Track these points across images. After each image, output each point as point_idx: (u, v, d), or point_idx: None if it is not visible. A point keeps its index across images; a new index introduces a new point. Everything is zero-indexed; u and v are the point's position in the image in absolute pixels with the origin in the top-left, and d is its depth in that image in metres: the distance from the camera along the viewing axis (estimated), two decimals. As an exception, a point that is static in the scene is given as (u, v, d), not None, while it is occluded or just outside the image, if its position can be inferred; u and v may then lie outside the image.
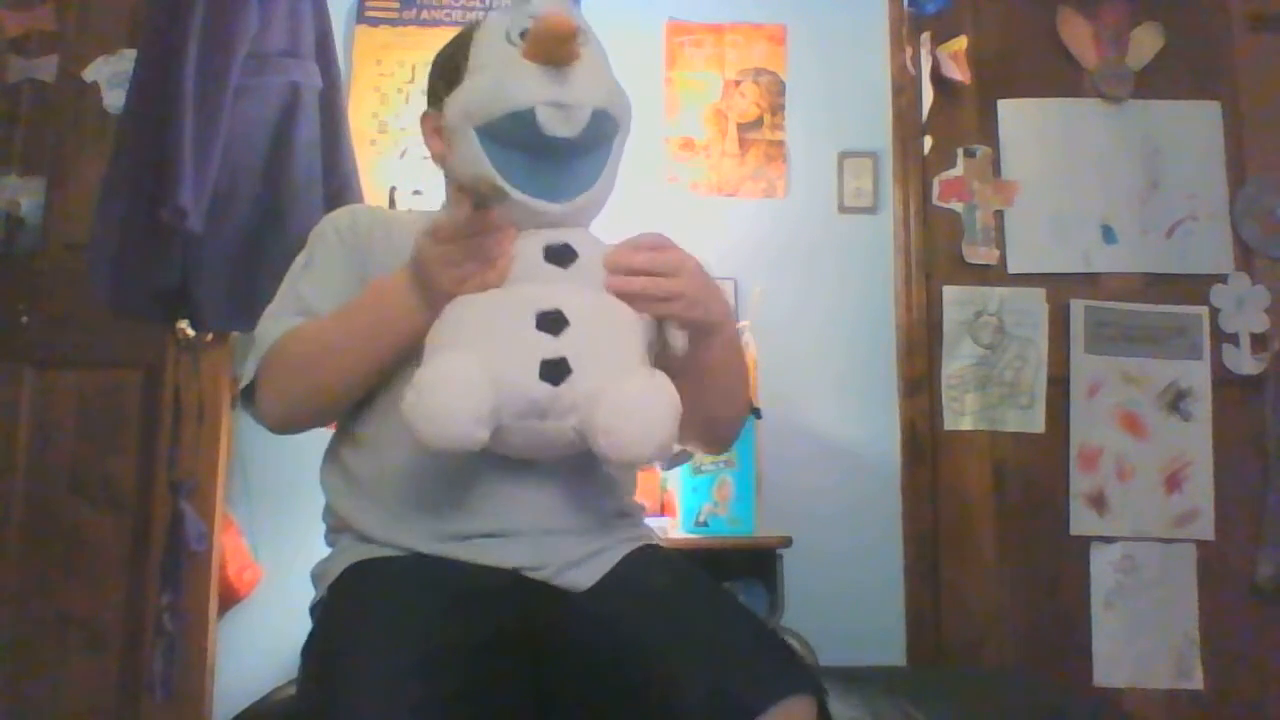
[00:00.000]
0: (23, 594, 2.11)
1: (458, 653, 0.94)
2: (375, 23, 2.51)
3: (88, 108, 2.31)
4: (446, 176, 1.25)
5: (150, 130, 1.87)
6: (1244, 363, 2.47)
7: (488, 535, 1.06)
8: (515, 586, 1.04)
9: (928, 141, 2.53)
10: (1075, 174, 2.54)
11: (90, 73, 2.31)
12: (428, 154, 1.27)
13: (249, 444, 2.23)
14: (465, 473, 1.06)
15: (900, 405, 2.46)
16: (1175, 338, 2.48)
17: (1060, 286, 2.49)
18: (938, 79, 2.53)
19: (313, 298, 1.16)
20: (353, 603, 1.03)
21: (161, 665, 1.98)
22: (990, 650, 2.37)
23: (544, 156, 1.04)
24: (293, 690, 1.10)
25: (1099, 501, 2.42)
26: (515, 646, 1.00)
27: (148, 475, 2.14)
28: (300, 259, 1.21)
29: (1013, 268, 2.51)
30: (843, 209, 2.54)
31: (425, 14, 2.51)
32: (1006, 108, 2.56)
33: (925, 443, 2.44)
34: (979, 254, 2.51)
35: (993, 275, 2.50)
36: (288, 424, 1.16)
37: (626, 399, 0.95)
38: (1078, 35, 2.59)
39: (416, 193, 2.38)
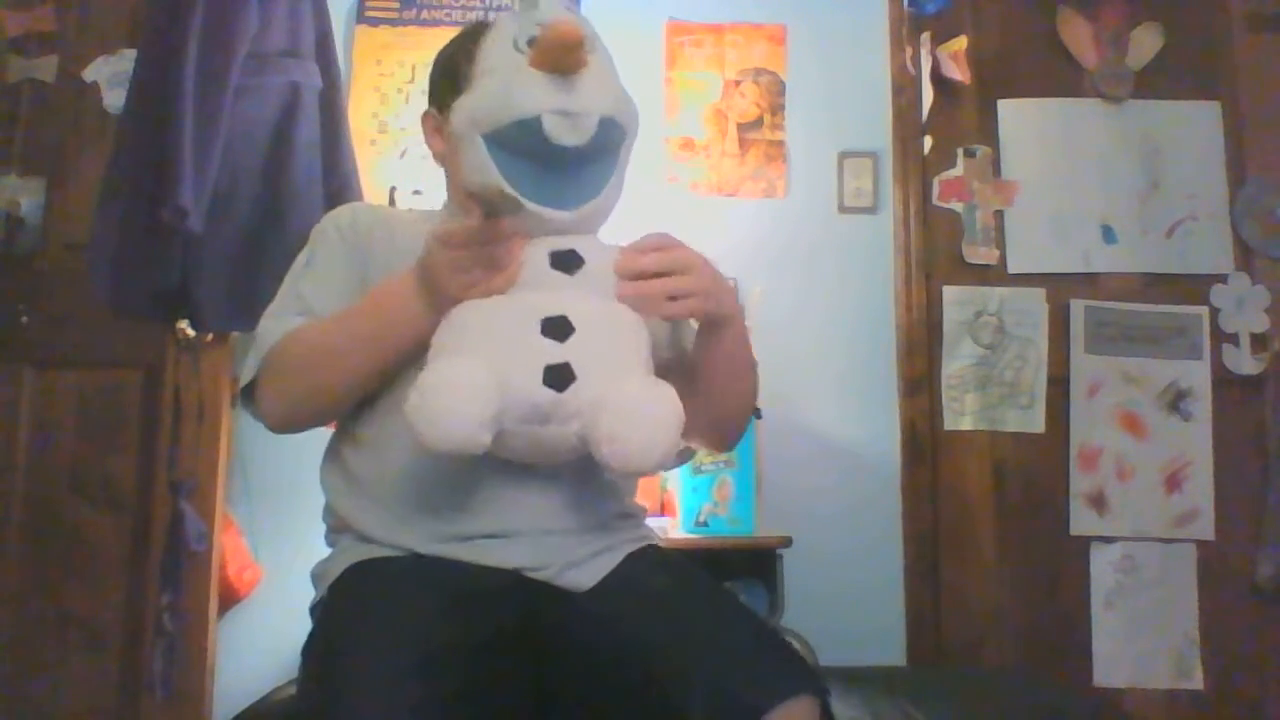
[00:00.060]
0: (23, 594, 2.11)
1: (458, 653, 0.94)
2: (375, 23, 2.51)
3: (88, 108, 2.31)
4: (447, 176, 1.25)
5: (150, 130, 1.87)
6: (1244, 363, 2.47)
7: (489, 536, 1.07)
8: (516, 587, 1.04)
9: (928, 141, 2.53)
10: (1075, 174, 2.54)
11: (90, 73, 2.32)
12: (428, 154, 1.28)
13: (249, 444, 2.23)
14: (466, 475, 1.06)
15: (900, 405, 2.46)
16: (1175, 338, 2.48)
17: (1060, 286, 2.49)
18: (938, 79, 2.53)
19: (314, 297, 1.16)
20: (353, 603, 1.03)
21: (161, 665, 1.98)
22: (990, 650, 2.37)
23: (551, 164, 1.04)
24: (293, 690, 1.10)
25: (1099, 501, 2.42)
26: (515, 646, 1.00)
27: (148, 475, 2.14)
28: (301, 258, 1.21)
29: (1013, 268, 2.51)
30: (843, 209, 2.54)
31: (425, 14, 2.51)
32: (1006, 108, 2.56)
33: (925, 443, 2.44)
34: (979, 254, 2.51)
35: (993, 275, 2.50)
36: (288, 424, 1.16)
37: (630, 407, 0.95)
38: (1078, 35, 2.59)
39: (416, 192, 2.38)
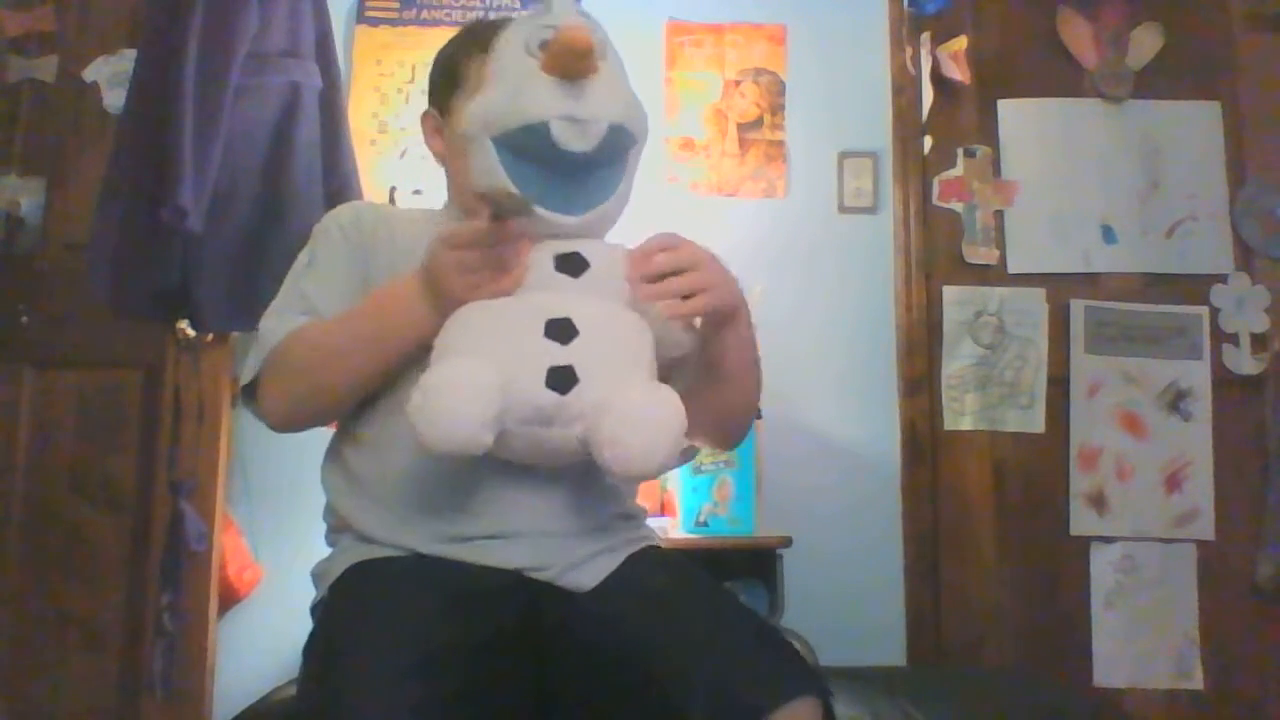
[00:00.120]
0: (23, 594, 2.11)
1: (458, 653, 0.94)
2: (375, 23, 2.51)
3: (88, 108, 2.31)
4: (448, 176, 1.25)
5: (150, 130, 1.87)
6: (1244, 363, 2.47)
7: (489, 537, 1.06)
8: (517, 586, 1.04)
9: (928, 141, 2.53)
10: (1075, 174, 2.54)
11: (90, 73, 2.32)
12: (428, 154, 1.28)
13: (249, 444, 2.23)
14: (468, 475, 1.06)
15: (900, 405, 2.46)
16: (1175, 338, 2.48)
17: (1060, 286, 2.49)
18: (938, 79, 2.53)
19: (316, 296, 1.16)
20: (354, 603, 1.03)
21: (161, 665, 1.98)
22: (990, 650, 2.37)
23: (559, 169, 1.04)
24: (293, 690, 1.10)
25: (1099, 501, 2.42)
26: (516, 646, 1.00)
27: (148, 475, 2.14)
28: (303, 256, 1.21)
29: (1013, 268, 2.51)
30: (843, 209, 2.54)
31: (425, 14, 2.51)
32: (1006, 108, 2.56)
33: (925, 443, 2.44)
34: (979, 254, 2.51)
35: (993, 275, 2.50)
36: (290, 423, 1.16)
37: (633, 411, 0.95)
38: (1078, 35, 2.59)
39: (416, 192, 2.38)
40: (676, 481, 2.24)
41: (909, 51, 2.54)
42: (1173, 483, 2.43)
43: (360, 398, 1.13)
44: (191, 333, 2.06)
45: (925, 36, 2.53)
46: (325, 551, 1.16)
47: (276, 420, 1.15)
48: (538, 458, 1.02)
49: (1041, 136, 2.55)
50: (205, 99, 1.85)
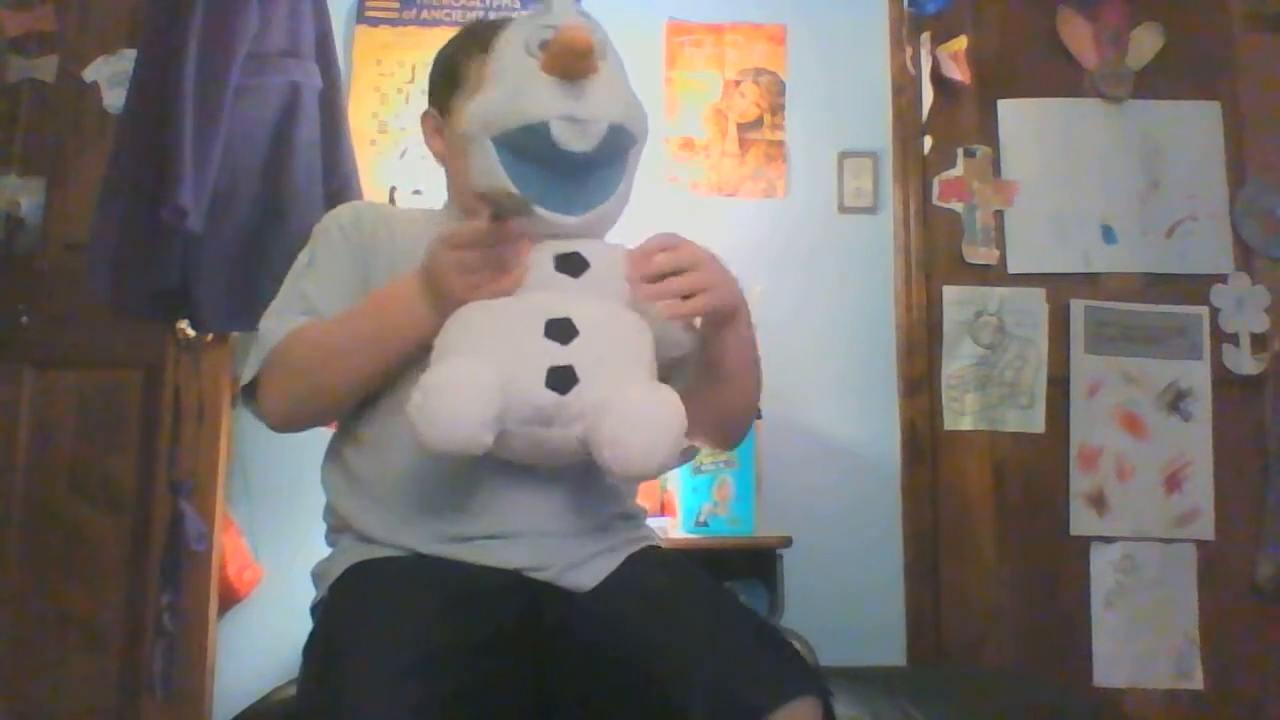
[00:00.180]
0: (23, 594, 2.11)
1: (458, 653, 0.94)
2: (375, 23, 2.51)
3: (88, 108, 2.31)
4: (448, 175, 1.25)
5: (150, 130, 1.87)
6: (1244, 363, 2.47)
7: (489, 537, 1.06)
8: (517, 586, 1.04)
9: (928, 141, 2.53)
10: (1075, 174, 2.54)
11: (90, 73, 2.32)
12: (428, 154, 1.28)
13: (249, 444, 2.23)
14: (468, 475, 1.06)
15: (900, 405, 2.46)
16: (1175, 338, 2.48)
17: (1060, 286, 2.49)
18: (938, 79, 2.53)
19: (316, 295, 1.16)
20: (354, 602, 1.03)
21: (161, 665, 1.98)
22: (990, 650, 2.37)
23: (559, 169, 1.04)
24: (293, 690, 1.10)
25: (1099, 501, 2.42)
26: (516, 646, 1.00)
27: (148, 475, 2.14)
28: (303, 256, 1.21)
29: (1013, 268, 2.51)
30: (843, 209, 2.54)
31: (425, 14, 2.51)
32: (1006, 108, 2.56)
33: (925, 443, 2.44)
34: (979, 254, 2.51)
35: (993, 275, 2.50)
36: (290, 423, 1.16)
37: (633, 411, 0.95)
38: (1078, 35, 2.59)
39: (416, 192, 2.38)
40: (676, 481, 2.24)
41: (909, 51, 2.54)
42: (1173, 483, 2.43)
43: (360, 398, 1.13)
44: (191, 333, 2.06)
45: (925, 36, 2.53)
46: (325, 551, 1.16)
47: (276, 420, 1.15)
48: (538, 458, 1.02)
49: (1041, 136, 2.55)
50: (205, 99, 1.85)
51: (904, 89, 2.56)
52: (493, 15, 2.37)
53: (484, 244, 1.03)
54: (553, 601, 1.04)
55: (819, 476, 2.39)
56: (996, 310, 2.48)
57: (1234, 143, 2.55)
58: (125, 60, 2.23)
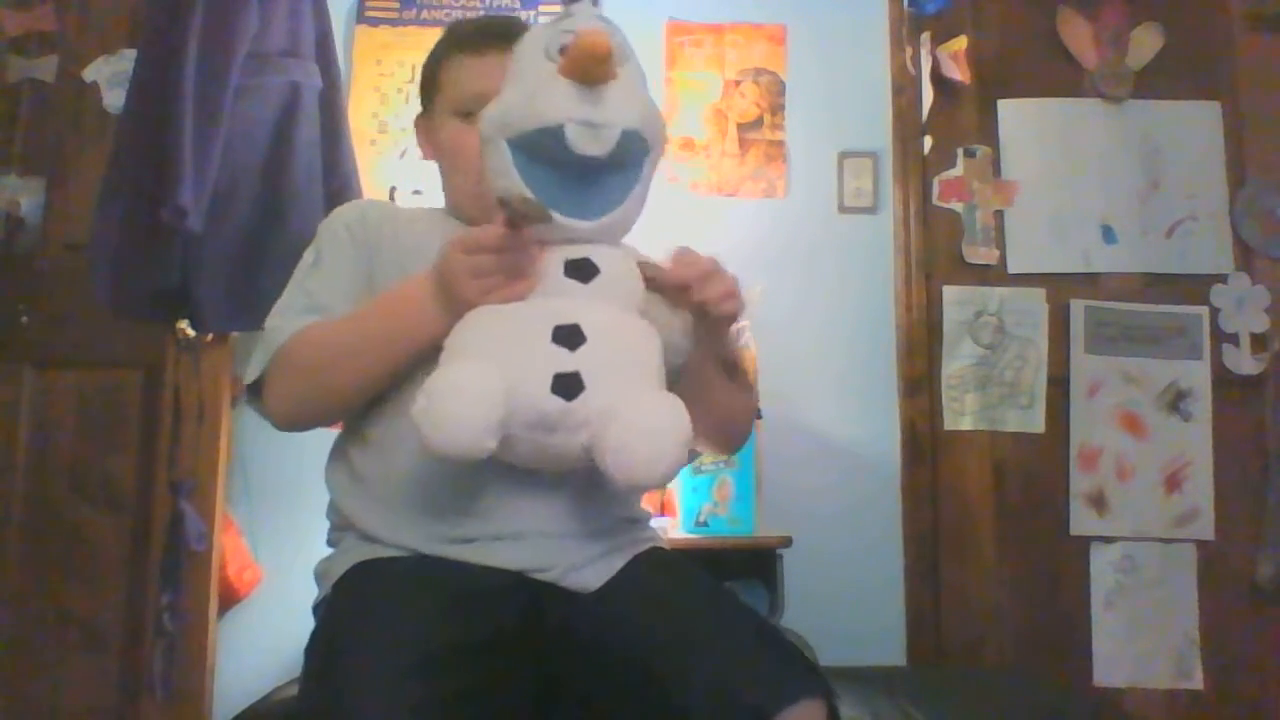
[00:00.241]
0: (23, 594, 2.11)
1: (459, 653, 0.94)
2: (375, 23, 2.51)
3: (88, 108, 2.30)
4: (442, 176, 1.26)
5: (150, 130, 1.86)
6: (1244, 363, 2.47)
7: (493, 538, 1.06)
8: (519, 586, 1.04)
9: (928, 141, 2.53)
10: (1075, 174, 2.54)
11: (90, 73, 2.31)
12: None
13: (249, 444, 2.23)
14: (472, 478, 1.06)
15: (900, 405, 2.46)
16: (1175, 338, 2.48)
17: (1060, 286, 2.49)
18: (938, 79, 2.53)
19: (321, 295, 1.16)
20: (356, 602, 1.03)
21: (161, 665, 1.97)
22: (990, 650, 2.37)
23: (573, 173, 1.04)
24: (293, 690, 1.10)
25: (1099, 501, 2.42)
26: (517, 646, 1.00)
27: (148, 475, 2.13)
28: (308, 255, 1.21)
29: (1013, 268, 2.50)
30: (843, 209, 2.54)
31: (425, 14, 2.51)
32: (1006, 108, 2.56)
33: (925, 443, 2.44)
34: (979, 254, 2.51)
35: (993, 275, 2.50)
36: (295, 422, 1.16)
37: (638, 419, 0.95)
38: (1078, 35, 2.59)
39: (416, 192, 2.38)
40: (677, 481, 2.24)
41: (909, 51, 2.54)
42: (1173, 483, 2.43)
43: (366, 399, 1.13)
44: (191, 333, 2.06)
45: (925, 36, 2.53)
46: (325, 551, 1.16)
47: (281, 419, 1.15)
48: (542, 463, 1.02)
49: (1041, 136, 2.55)
50: (205, 99, 1.85)
51: (904, 89, 2.56)
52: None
53: (499, 249, 1.03)
54: (554, 602, 1.04)
55: (819, 476, 2.39)
56: (996, 310, 2.48)
57: (1234, 143, 2.55)
58: (125, 60, 2.23)
